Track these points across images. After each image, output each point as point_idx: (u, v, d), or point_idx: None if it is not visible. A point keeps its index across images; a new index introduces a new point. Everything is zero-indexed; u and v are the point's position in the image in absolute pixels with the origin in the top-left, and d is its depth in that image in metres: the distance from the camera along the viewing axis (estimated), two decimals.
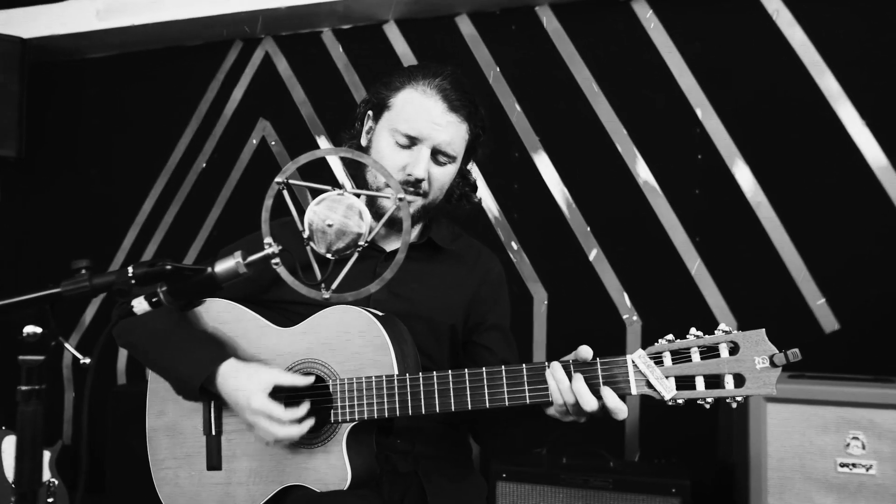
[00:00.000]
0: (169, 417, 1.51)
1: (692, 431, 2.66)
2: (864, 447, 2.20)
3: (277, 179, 1.15)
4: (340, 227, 1.15)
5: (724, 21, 2.79)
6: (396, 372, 1.33)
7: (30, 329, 0.95)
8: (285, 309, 1.51)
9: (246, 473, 1.43)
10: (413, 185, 1.45)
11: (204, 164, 3.41)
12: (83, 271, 0.97)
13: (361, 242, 1.16)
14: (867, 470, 2.19)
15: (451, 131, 1.47)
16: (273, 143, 3.32)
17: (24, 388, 0.93)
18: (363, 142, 1.56)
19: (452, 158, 1.50)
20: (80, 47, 3.49)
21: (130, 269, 0.99)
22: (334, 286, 1.14)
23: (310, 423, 1.33)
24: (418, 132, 1.45)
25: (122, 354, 3.46)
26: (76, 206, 3.60)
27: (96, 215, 3.56)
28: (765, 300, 2.68)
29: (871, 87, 2.61)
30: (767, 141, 2.72)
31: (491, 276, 1.60)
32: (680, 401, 1.16)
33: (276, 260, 1.10)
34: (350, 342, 1.37)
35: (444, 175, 1.50)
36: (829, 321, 2.63)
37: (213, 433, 1.46)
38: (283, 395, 1.36)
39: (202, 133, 3.42)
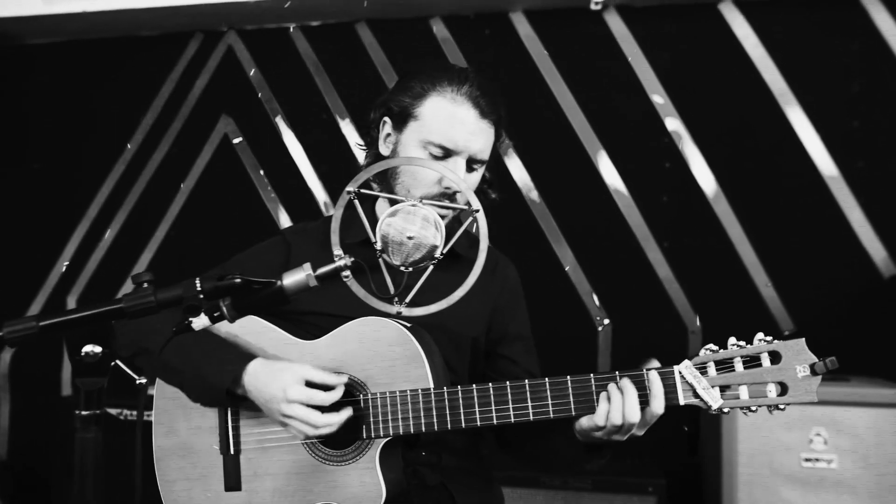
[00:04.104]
0: (180, 436, 1.43)
1: (661, 431, 2.75)
2: (825, 443, 2.34)
3: (348, 188, 1.11)
4: (419, 239, 1.12)
5: (691, 33, 2.89)
6: (432, 385, 1.31)
7: (89, 348, 0.87)
8: (300, 320, 1.45)
9: (269, 493, 1.37)
10: (450, 198, 1.42)
11: (160, 160, 3.26)
12: (145, 285, 0.90)
13: (437, 254, 1.14)
14: (829, 464, 2.33)
15: (484, 138, 1.44)
16: (237, 140, 3.20)
17: (83, 412, 0.86)
18: (383, 151, 1.50)
19: (483, 163, 1.48)
20: (25, 32, 3.25)
21: (198, 283, 0.93)
22: (408, 299, 1.11)
23: (348, 412, 1.28)
24: (454, 144, 1.41)
25: (68, 362, 3.25)
26: (18, 202, 3.35)
27: (39, 213, 3.33)
28: (727, 302, 2.80)
29: (824, 101, 2.77)
30: (731, 151, 2.84)
31: (509, 283, 1.58)
32: (726, 410, 1.19)
33: (347, 273, 1.06)
34: (381, 355, 1.34)
35: (474, 182, 1.48)
36: (786, 323, 2.77)
37: (232, 452, 1.39)
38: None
39: (159, 128, 3.25)
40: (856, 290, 2.71)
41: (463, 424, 1.28)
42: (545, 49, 2.98)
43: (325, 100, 3.13)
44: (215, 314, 0.96)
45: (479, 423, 1.27)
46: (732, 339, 1.23)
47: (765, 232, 2.80)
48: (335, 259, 1.06)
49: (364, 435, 1.32)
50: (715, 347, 1.22)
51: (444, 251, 1.17)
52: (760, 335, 1.22)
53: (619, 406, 1.20)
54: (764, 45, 2.80)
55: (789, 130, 2.78)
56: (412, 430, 1.30)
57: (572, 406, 1.24)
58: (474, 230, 1.29)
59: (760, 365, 1.20)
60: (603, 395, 1.23)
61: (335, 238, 1.09)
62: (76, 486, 0.85)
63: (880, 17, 2.73)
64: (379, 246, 1.12)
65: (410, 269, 1.14)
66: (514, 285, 1.60)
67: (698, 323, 2.83)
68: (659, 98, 2.88)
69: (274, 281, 1.00)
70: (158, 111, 3.26)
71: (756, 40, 2.81)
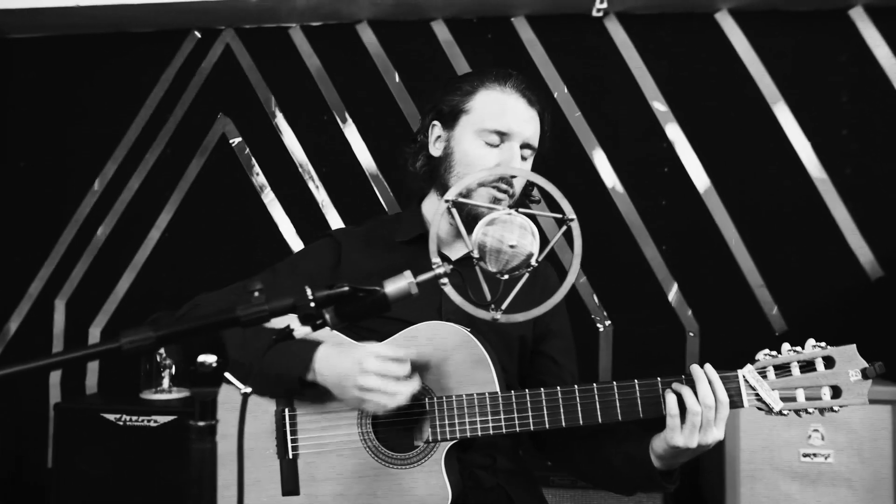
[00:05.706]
0: (233, 441, 1.41)
1: (659, 428, 2.82)
2: (823, 438, 2.43)
3: (447, 197, 1.12)
4: (520, 248, 1.14)
5: (688, 42, 2.96)
6: (499, 389, 1.33)
7: (204, 358, 0.86)
8: (356, 325, 1.45)
9: (330, 497, 1.37)
10: (507, 182, 1.45)
11: (154, 160, 3.17)
12: (256, 294, 0.89)
13: (533, 262, 1.15)
14: (826, 459, 2.42)
15: (534, 126, 1.52)
16: (235, 140, 3.14)
17: (199, 423, 0.84)
18: (434, 152, 1.54)
19: (534, 151, 1.54)
20: (10, 26, 3.13)
21: (309, 292, 0.93)
22: (504, 306, 1.12)
23: (417, 382, 1.30)
24: (509, 127, 1.47)
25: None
26: (2, 201, 3.23)
27: (24, 214, 3.22)
28: (723, 302, 2.89)
29: (814, 110, 2.88)
30: (726, 156, 2.93)
31: (550, 283, 1.63)
32: (786, 412, 1.24)
33: (444, 280, 1.07)
34: (446, 359, 1.35)
35: (527, 170, 1.51)
36: (779, 322, 2.87)
37: (290, 456, 1.38)
38: None
39: (152, 127, 3.17)
40: (845, 291, 2.82)
41: (531, 427, 1.30)
42: (547, 54, 3.02)
43: (326, 100, 3.10)
44: (317, 322, 0.96)
45: (547, 426, 1.30)
46: (787, 345, 1.28)
47: (759, 235, 2.89)
48: (433, 267, 1.07)
49: (430, 438, 1.33)
50: (773, 353, 1.27)
51: (540, 258, 1.18)
52: (812, 341, 1.28)
53: (691, 394, 1.24)
54: (758, 54, 2.90)
55: (782, 137, 2.88)
56: (479, 434, 1.31)
57: (640, 409, 1.27)
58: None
59: (815, 369, 1.25)
60: (669, 391, 1.26)
61: (433, 246, 1.10)
62: (193, 499, 0.84)
63: (868, 31, 2.85)
64: (476, 254, 1.13)
65: (506, 276, 1.15)
66: (554, 285, 1.63)
67: (696, 323, 2.91)
68: (659, 105, 2.95)
69: (377, 289, 1.00)
70: (152, 110, 3.18)
71: (750, 49, 2.90)
